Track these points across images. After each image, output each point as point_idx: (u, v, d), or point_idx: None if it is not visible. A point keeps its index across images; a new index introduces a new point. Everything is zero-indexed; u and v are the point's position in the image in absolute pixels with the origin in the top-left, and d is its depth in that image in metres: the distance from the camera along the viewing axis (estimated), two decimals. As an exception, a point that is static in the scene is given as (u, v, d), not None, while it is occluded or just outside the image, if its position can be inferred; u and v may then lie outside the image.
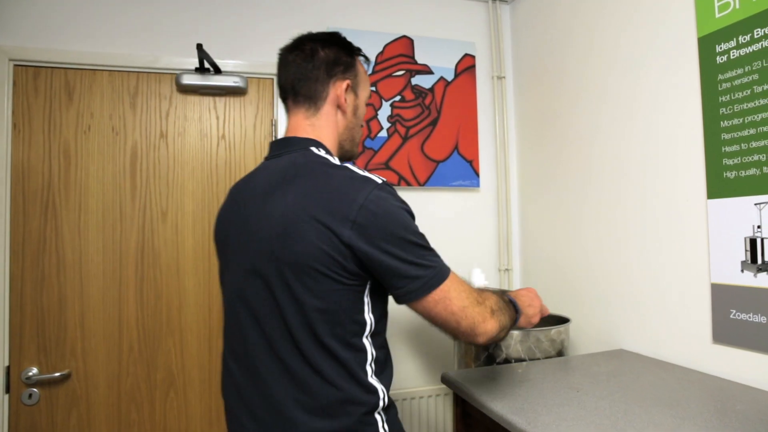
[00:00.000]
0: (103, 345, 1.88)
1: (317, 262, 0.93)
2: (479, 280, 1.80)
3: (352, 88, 1.17)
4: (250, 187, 1.09)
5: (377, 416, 1.00)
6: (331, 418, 0.95)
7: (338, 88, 1.13)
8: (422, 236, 1.00)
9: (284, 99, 1.16)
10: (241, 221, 1.07)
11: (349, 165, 1.03)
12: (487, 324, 1.02)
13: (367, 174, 1.00)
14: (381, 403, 1.00)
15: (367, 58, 1.25)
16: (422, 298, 0.98)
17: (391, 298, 1.04)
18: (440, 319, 1.01)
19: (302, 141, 1.09)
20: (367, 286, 1.00)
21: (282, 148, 1.11)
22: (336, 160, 1.06)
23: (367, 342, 1.00)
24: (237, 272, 1.06)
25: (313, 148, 1.07)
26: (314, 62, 1.12)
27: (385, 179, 1.00)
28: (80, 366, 1.86)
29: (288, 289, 0.96)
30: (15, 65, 1.84)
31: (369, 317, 1.01)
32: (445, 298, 0.99)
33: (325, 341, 0.96)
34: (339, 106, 1.14)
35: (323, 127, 1.13)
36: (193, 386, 1.97)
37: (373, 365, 1.01)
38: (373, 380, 1.00)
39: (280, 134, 2.09)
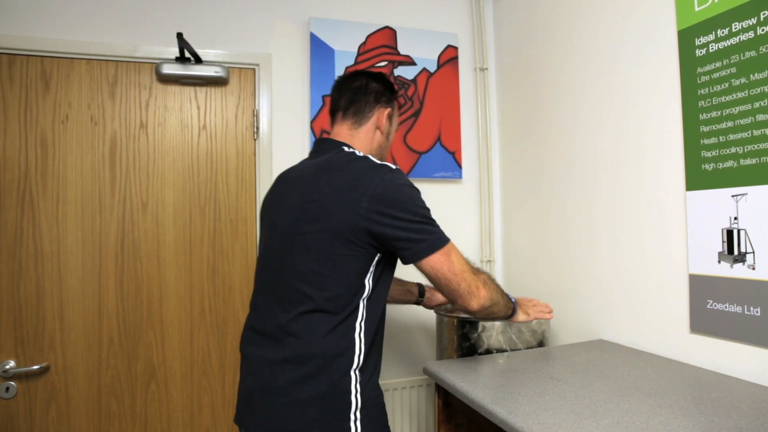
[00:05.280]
0: (82, 337, 1.86)
1: (341, 229, 1.15)
2: None
3: (389, 117, 1.42)
4: (296, 175, 1.32)
5: (353, 374, 1.16)
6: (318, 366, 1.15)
7: (381, 114, 1.39)
8: (427, 209, 1.22)
9: (334, 111, 1.42)
10: (286, 200, 1.28)
11: (369, 156, 1.26)
12: (480, 291, 1.23)
13: (383, 162, 1.23)
14: (356, 361, 1.17)
15: (400, 100, 1.55)
16: (428, 257, 1.18)
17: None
18: (444, 278, 1.20)
19: (337, 143, 1.33)
20: (375, 258, 1.20)
21: (321, 146, 1.36)
22: (361, 154, 1.28)
23: (361, 303, 1.19)
24: (279, 235, 1.26)
25: (345, 148, 1.30)
26: (367, 90, 1.39)
27: (398, 166, 1.23)
28: (59, 359, 1.83)
29: (310, 248, 1.17)
30: (-11, 53, 1.80)
31: (368, 283, 1.20)
32: (448, 260, 1.20)
33: (324, 295, 1.16)
34: (378, 127, 1.39)
35: (361, 139, 1.37)
36: (175, 379, 1.96)
37: (363, 324, 1.19)
38: (357, 337, 1.18)
39: (263, 125, 2.09)
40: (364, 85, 1.39)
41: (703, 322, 1.38)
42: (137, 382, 1.92)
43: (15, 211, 1.81)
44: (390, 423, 2.16)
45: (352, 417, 1.14)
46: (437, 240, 1.19)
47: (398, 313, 2.23)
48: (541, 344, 1.71)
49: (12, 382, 1.77)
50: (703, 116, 1.37)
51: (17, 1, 1.84)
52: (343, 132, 1.37)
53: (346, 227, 1.14)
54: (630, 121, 1.64)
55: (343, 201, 1.15)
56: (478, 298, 1.22)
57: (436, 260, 1.18)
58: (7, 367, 1.76)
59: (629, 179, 1.65)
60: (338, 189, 1.17)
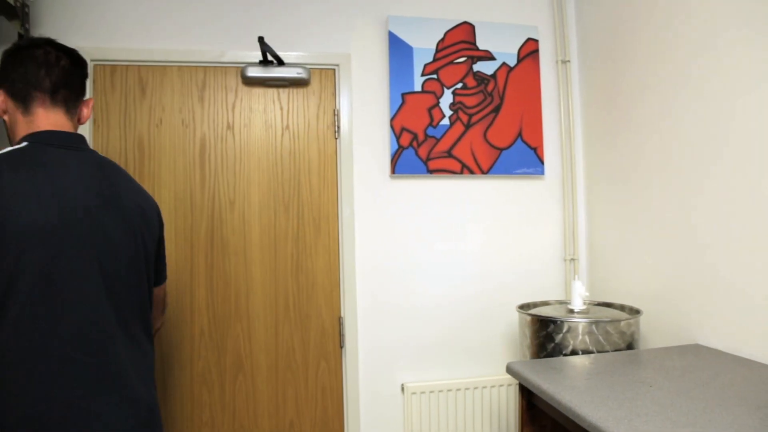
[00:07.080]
0: (176, 329, 1.97)
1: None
2: (580, 290, 1.83)
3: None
4: (81, 176, 1.08)
5: None
6: None
7: (87, 104, 1.23)
8: None
9: (39, 93, 1.11)
10: (95, 208, 1.07)
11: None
12: None
13: None
14: None
15: None
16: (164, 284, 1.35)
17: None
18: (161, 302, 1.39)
19: (84, 139, 1.16)
20: None
21: (77, 141, 1.13)
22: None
23: None
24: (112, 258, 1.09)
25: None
26: (81, 71, 1.20)
27: None
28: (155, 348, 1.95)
29: (148, 264, 1.21)
30: (95, 64, 1.94)
31: None
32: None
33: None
34: (80, 120, 1.21)
35: (77, 128, 1.19)
36: (261, 371, 2.03)
37: None
38: None
39: (344, 124, 2.12)
40: (76, 63, 1.18)
41: (816, 328, 1.27)
42: (226, 372, 2.01)
43: (116, 209, 1.94)
44: (470, 423, 2.16)
45: None
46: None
47: (478, 309, 2.20)
48: (630, 347, 1.63)
49: (115, 369, 1.90)
50: (816, 104, 1.25)
51: (117, 17, 1.97)
52: (64, 121, 1.14)
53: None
54: (734, 111, 1.53)
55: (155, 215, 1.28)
56: None
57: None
58: (111, 355, 1.89)
59: (730, 173, 1.54)
60: (145, 202, 1.23)
